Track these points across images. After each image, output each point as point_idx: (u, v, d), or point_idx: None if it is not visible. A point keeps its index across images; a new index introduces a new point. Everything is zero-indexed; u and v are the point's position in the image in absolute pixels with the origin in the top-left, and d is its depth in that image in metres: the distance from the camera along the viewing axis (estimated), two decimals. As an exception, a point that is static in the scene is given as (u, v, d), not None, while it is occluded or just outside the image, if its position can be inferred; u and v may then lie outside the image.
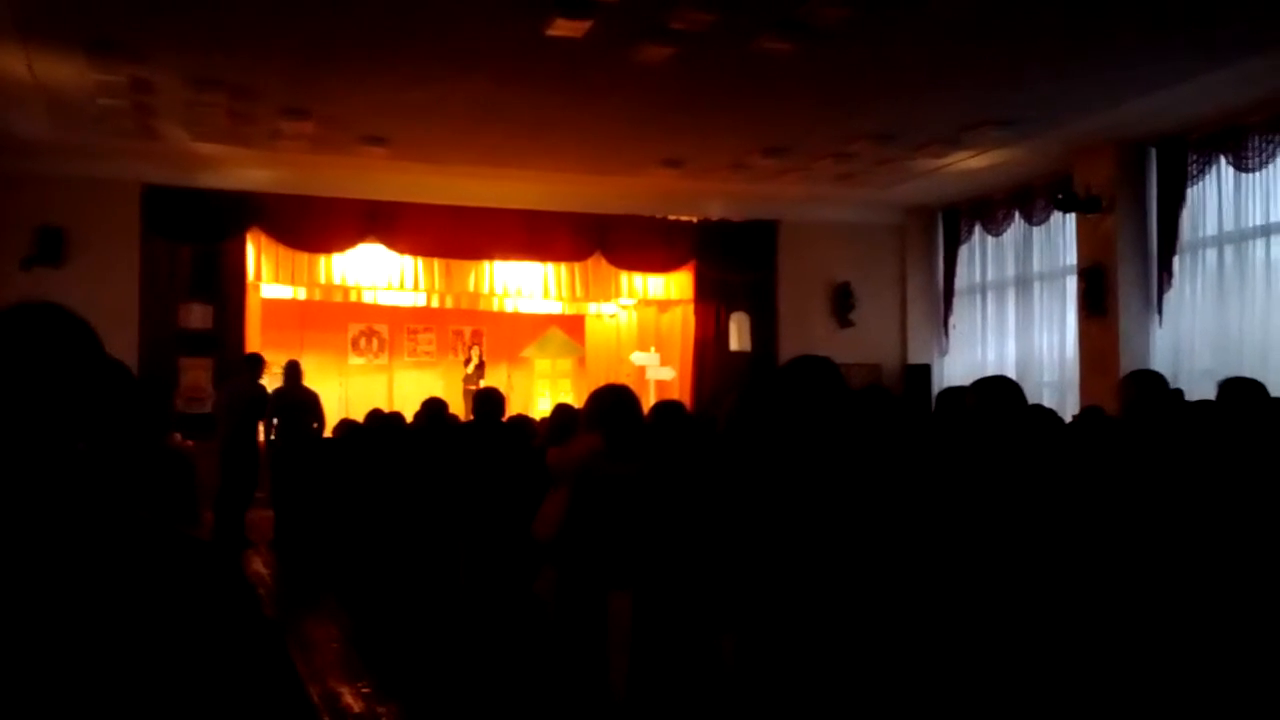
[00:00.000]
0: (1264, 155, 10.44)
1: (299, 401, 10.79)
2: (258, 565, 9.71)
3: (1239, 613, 2.76)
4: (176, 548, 1.29)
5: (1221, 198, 11.18)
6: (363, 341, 17.54)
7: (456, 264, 15.18)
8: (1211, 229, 11.31)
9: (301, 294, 15.57)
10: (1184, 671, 2.69)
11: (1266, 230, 10.76)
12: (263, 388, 11.17)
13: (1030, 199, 13.64)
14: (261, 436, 11.22)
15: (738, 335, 15.55)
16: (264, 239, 13.94)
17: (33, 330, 1.33)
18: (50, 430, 1.30)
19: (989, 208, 14.47)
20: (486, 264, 15.24)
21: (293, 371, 11.02)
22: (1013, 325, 14.29)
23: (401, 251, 14.59)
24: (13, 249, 12.14)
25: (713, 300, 15.52)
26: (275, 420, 10.83)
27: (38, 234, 12.30)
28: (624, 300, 16.57)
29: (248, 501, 10.76)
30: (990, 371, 12.13)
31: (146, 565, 1.25)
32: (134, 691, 1.18)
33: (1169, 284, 11.61)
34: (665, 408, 4.42)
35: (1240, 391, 4.43)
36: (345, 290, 15.55)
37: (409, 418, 8.73)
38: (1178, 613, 2.76)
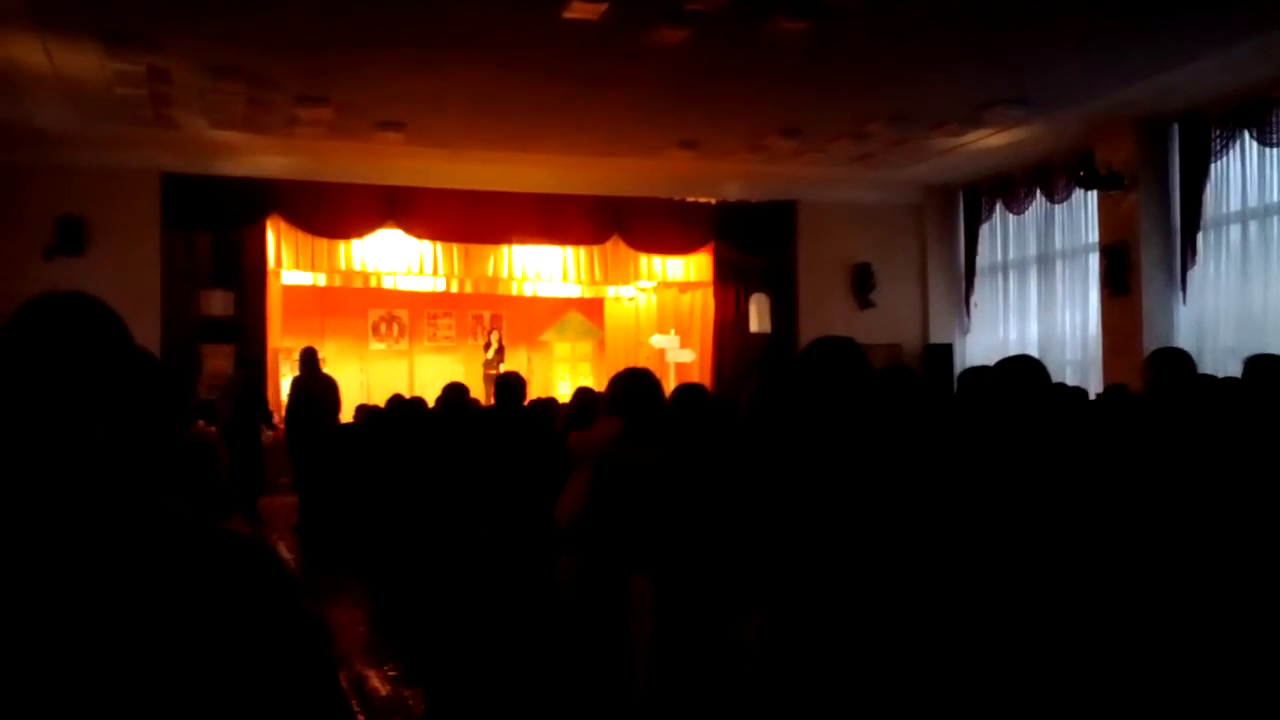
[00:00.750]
0: (1288, 129, 10.33)
1: (317, 389, 10.87)
2: (282, 550, 9.77)
3: (1267, 594, 2.74)
4: (217, 541, 1.29)
5: (1245, 173, 11.06)
6: (383, 327, 17.60)
7: (475, 249, 15.20)
8: (1235, 205, 11.19)
9: (321, 280, 15.62)
10: (1211, 649, 2.67)
11: (1291, 205, 10.65)
12: (257, 379, 11.50)
13: (1051, 177, 13.54)
14: (280, 425, 11.46)
15: (757, 317, 15.51)
16: (283, 226, 13.98)
17: (62, 320, 1.33)
18: (81, 420, 1.30)
19: (1010, 186, 14.37)
20: (505, 248, 15.25)
21: (309, 359, 11.11)
22: (1035, 304, 14.20)
23: (420, 237, 14.61)
24: (34, 239, 12.22)
25: (732, 282, 15.49)
26: (293, 408, 10.96)
27: (58, 224, 12.37)
28: (643, 283, 16.56)
29: (259, 489, 10.94)
30: (1012, 350, 12.09)
31: (187, 558, 1.25)
32: (174, 684, 1.18)
33: (1193, 261, 11.51)
34: (686, 391, 4.40)
35: (1266, 369, 4.39)
36: (365, 276, 15.60)
37: (430, 403, 8.74)
38: (1205, 593, 2.74)
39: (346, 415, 11.26)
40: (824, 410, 2.62)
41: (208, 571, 1.25)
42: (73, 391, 1.30)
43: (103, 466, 1.29)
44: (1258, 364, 4.43)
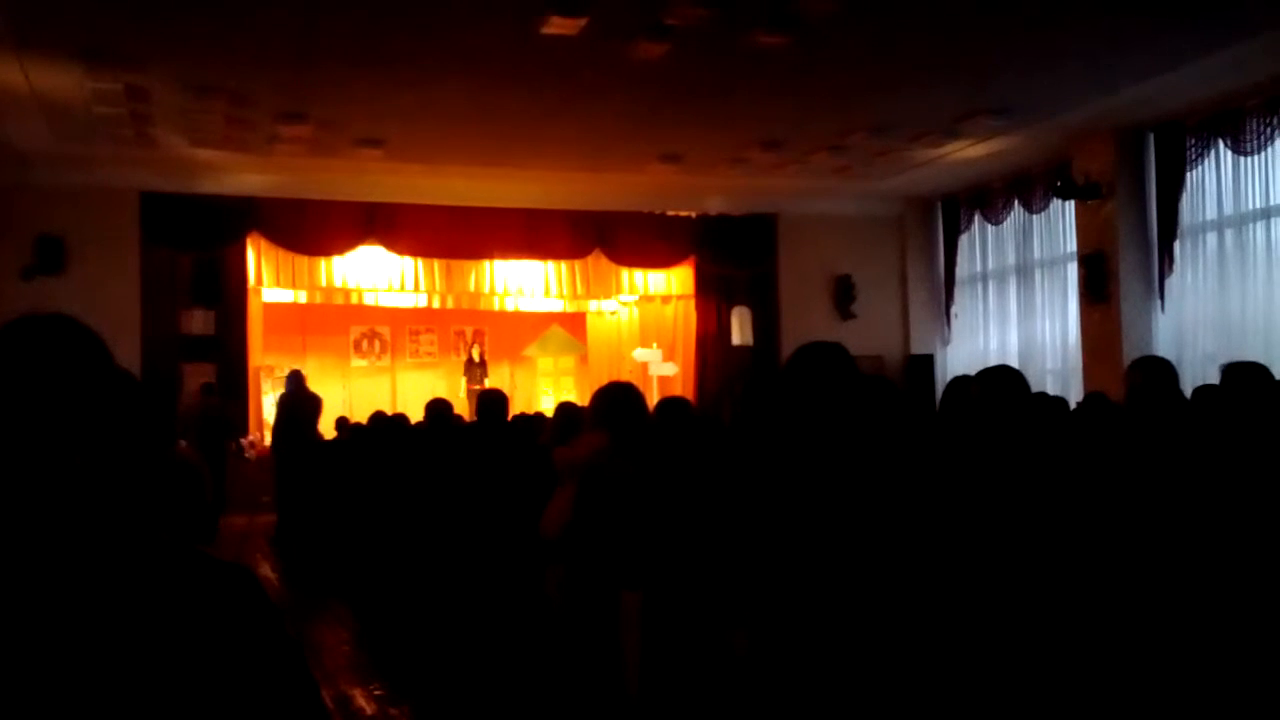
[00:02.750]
0: (1262, 138, 10.43)
1: (310, 407, 10.90)
2: (265, 570, 9.72)
3: (1249, 603, 2.76)
4: (196, 568, 1.28)
5: (1221, 181, 11.17)
6: (365, 343, 17.55)
7: (456, 264, 15.20)
8: (1211, 213, 11.30)
9: (303, 297, 15.59)
10: (1189, 658, 2.69)
11: (1266, 213, 10.75)
12: (217, 406, 11.83)
13: (1029, 187, 13.64)
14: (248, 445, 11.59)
15: (739, 329, 15.55)
16: (264, 243, 13.96)
17: (43, 342, 1.33)
18: (62, 443, 1.29)
19: (988, 196, 14.47)
20: (486, 263, 15.26)
21: (297, 379, 11.15)
22: (1014, 313, 14.29)
23: (401, 253, 14.60)
24: (13, 259, 12.15)
25: (713, 295, 15.53)
26: (281, 426, 10.97)
27: (37, 244, 12.31)
28: (625, 297, 16.58)
29: (220, 508, 11.01)
30: (993, 360, 12.15)
31: (166, 586, 1.24)
32: (154, 712, 1.17)
33: (1170, 269, 11.61)
34: (670, 404, 4.41)
35: (1244, 376, 4.42)
36: (346, 293, 15.57)
37: (412, 419, 8.73)
38: (1187, 602, 2.76)
39: (326, 429, 11.28)
40: (812, 417, 2.63)
41: (186, 598, 1.24)
42: (54, 414, 1.29)
43: (83, 491, 1.28)
44: (1236, 371, 4.45)
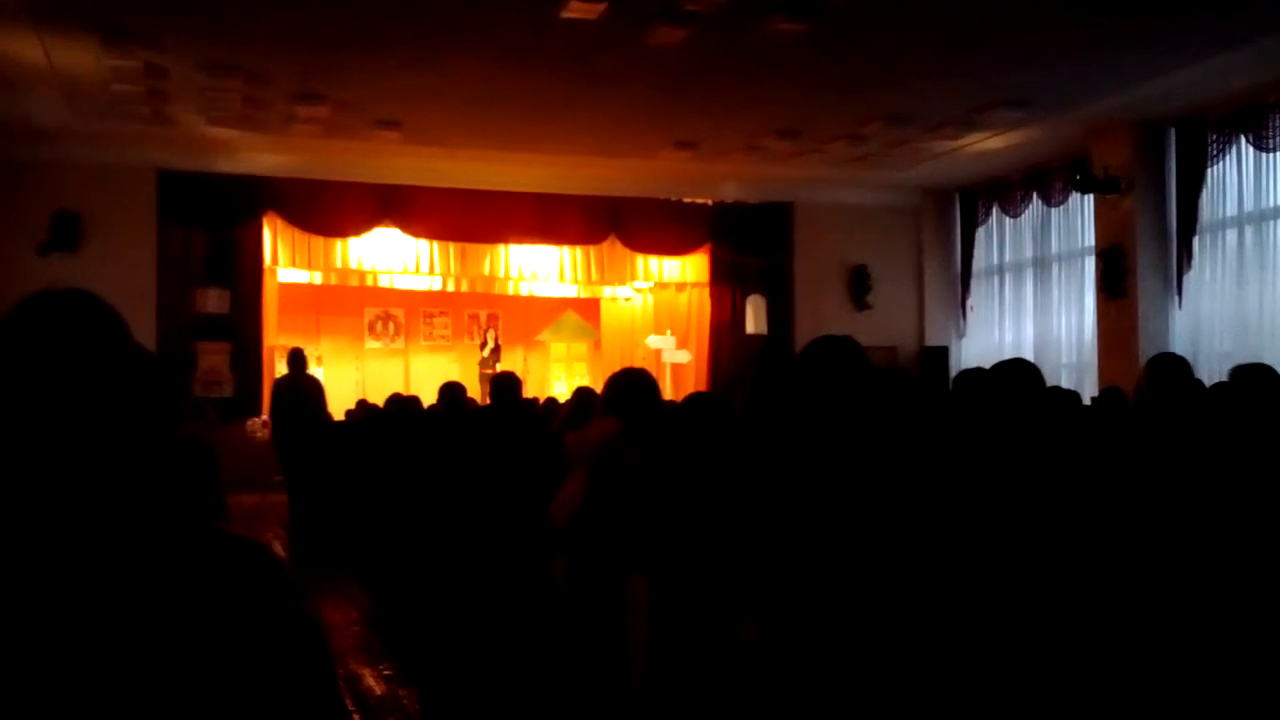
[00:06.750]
0: (1285, 135, 10.35)
1: (303, 390, 10.84)
2: (276, 548, 9.75)
3: (1257, 602, 2.74)
4: (214, 543, 1.28)
5: (1242, 178, 11.08)
6: (379, 325, 17.58)
7: (471, 248, 15.20)
8: (1231, 209, 11.22)
9: (318, 278, 15.61)
10: (1197, 658, 2.68)
11: (1288, 211, 10.67)
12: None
13: (1048, 180, 13.56)
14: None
15: (754, 318, 15.52)
16: (280, 224, 13.98)
17: (63, 316, 1.32)
18: (80, 417, 1.29)
19: (1006, 189, 14.40)
20: (501, 248, 15.26)
21: (297, 360, 11.10)
22: (1031, 307, 14.22)
23: (417, 235, 14.61)
24: (30, 235, 12.19)
25: (728, 283, 15.50)
26: (278, 407, 10.92)
27: (54, 220, 12.35)
28: (639, 283, 16.57)
29: None
30: (1008, 353, 12.10)
31: (185, 560, 1.24)
32: (171, 687, 1.17)
33: (1188, 265, 11.53)
34: (699, 400, 4.38)
35: (1253, 379, 4.35)
36: (361, 274, 15.59)
37: (425, 401, 8.74)
38: (1196, 595, 2.75)
39: (338, 412, 11.27)
40: (822, 410, 2.62)
41: (205, 574, 1.24)
42: (73, 389, 1.29)
43: (101, 466, 1.27)
44: (1244, 373, 4.39)
